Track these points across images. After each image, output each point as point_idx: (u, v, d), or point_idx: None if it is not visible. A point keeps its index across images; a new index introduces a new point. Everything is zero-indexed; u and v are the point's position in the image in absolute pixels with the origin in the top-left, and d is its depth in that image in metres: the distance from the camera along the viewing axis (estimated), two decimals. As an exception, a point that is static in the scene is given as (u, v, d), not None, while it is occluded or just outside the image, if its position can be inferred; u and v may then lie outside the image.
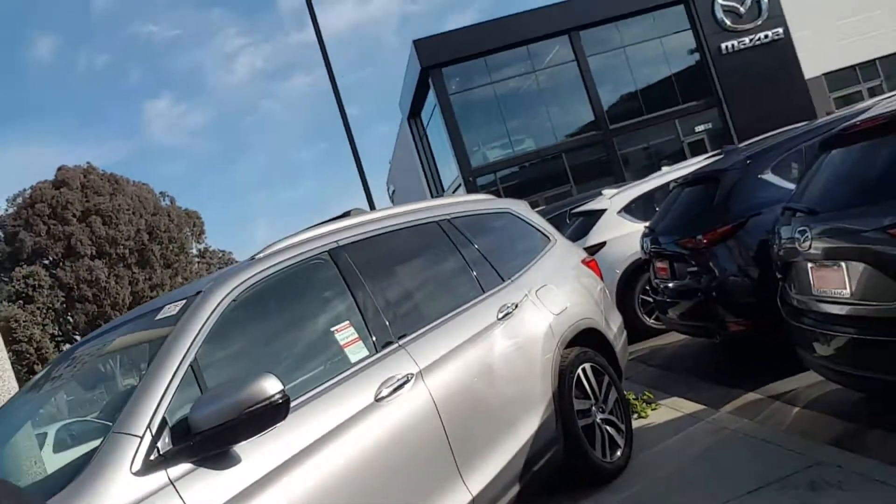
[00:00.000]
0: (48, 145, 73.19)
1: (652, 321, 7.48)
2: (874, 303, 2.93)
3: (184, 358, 2.42)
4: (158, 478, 2.11)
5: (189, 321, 2.56)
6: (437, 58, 25.17)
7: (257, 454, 2.32)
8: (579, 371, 3.96)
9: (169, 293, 3.15)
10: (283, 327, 2.98)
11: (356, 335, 2.94)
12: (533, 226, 4.59)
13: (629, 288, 7.65)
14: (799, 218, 3.50)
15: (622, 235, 7.78)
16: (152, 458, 2.14)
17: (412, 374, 2.95)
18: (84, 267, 39.18)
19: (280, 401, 2.20)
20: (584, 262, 4.70)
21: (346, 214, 3.63)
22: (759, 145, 5.67)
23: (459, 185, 26.57)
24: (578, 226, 8.59)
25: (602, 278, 4.84)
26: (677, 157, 24.19)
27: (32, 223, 39.31)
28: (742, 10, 25.85)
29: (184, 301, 2.72)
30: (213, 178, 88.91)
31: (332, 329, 2.91)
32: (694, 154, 21.99)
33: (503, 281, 3.91)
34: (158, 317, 2.75)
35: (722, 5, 25.79)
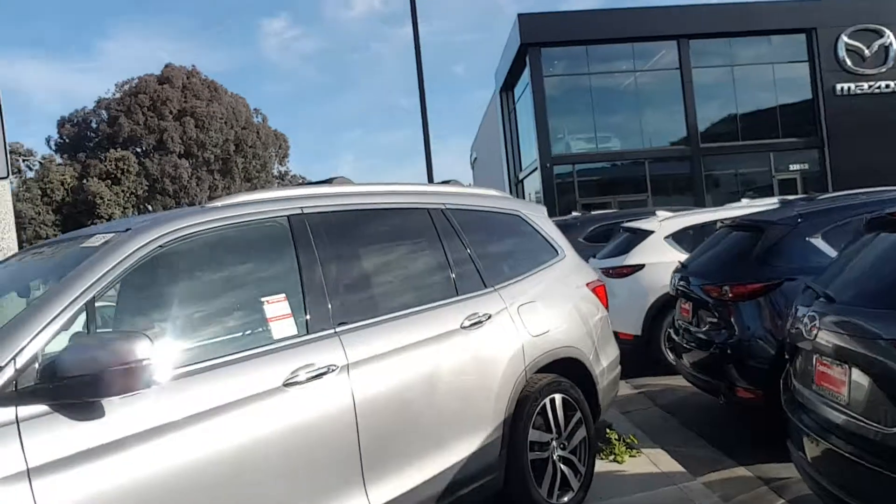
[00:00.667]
0: (163, 41, 75.60)
1: (674, 358, 7.05)
2: (868, 421, 2.52)
3: (80, 295, 2.25)
4: (5, 413, 1.97)
5: (102, 258, 2.38)
6: (539, 36, 24.43)
7: (127, 413, 2.15)
8: (546, 401, 3.66)
9: (110, 223, 2.99)
10: (210, 285, 2.77)
11: (288, 311, 2.71)
12: (542, 235, 4.24)
13: (658, 319, 7.23)
14: (817, 301, 3.07)
15: (663, 262, 7.30)
16: (8, 391, 2.00)
17: (336, 366, 2.71)
18: (171, 163, 41.10)
19: (145, 366, 2.02)
20: (589, 285, 4.33)
21: (328, 181, 3.39)
22: (819, 204, 5.14)
23: (535, 168, 26.03)
24: (623, 241, 8.17)
25: (607, 307, 4.46)
26: (765, 191, 23.06)
27: (133, 112, 41.48)
28: (867, 53, 24.05)
29: (112, 235, 2.55)
30: (310, 106, 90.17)
31: (263, 299, 2.69)
32: (783, 192, 20.89)
33: (485, 287, 3.61)
34: (83, 245, 2.59)
35: (846, 44, 24.03)
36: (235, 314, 2.72)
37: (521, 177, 30.68)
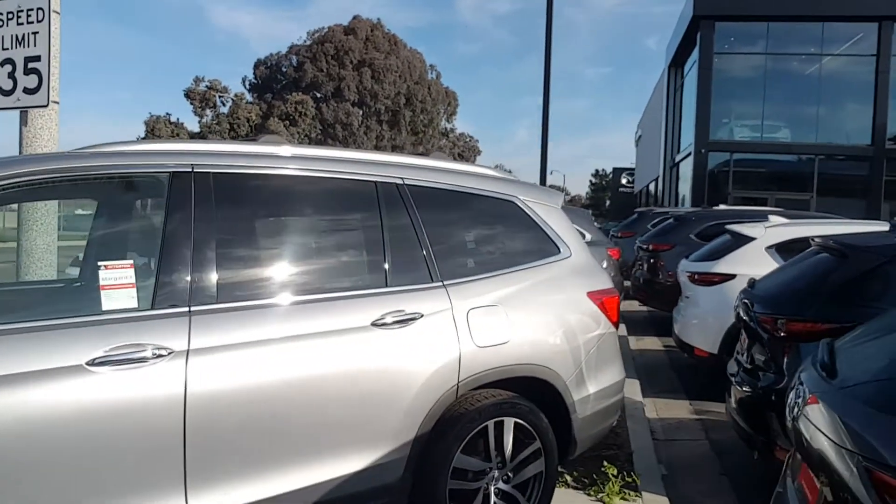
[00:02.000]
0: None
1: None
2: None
3: None
4: None
5: None
6: (715, 9, 22.33)
7: None
8: (490, 423, 3.08)
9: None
10: (45, 241, 2.45)
11: (131, 281, 2.35)
12: (542, 228, 3.56)
13: (735, 342, 6.24)
14: (811, 370, 2.27)
15: (759, 276, 6.27)
16: None
17: (171, 350, 2.33)
18: (344, 110, 43.02)
19: None
20: (594, 295, 3.61)
21: (252, 139, 2.97)
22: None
23: (689, 154, 24.18)
24: (720, 245, 7.16)
25: (616, 322, 3.72)
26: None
27: (318, 59, 43.73)
28: None
29: None
30: (492, 67, 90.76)
31: (101, 263, 2.34)
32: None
33: (431, 281, 3.06)
34: None
35: None
36: (64, 275, 2.40)
37: (676, 159, 28.72)
